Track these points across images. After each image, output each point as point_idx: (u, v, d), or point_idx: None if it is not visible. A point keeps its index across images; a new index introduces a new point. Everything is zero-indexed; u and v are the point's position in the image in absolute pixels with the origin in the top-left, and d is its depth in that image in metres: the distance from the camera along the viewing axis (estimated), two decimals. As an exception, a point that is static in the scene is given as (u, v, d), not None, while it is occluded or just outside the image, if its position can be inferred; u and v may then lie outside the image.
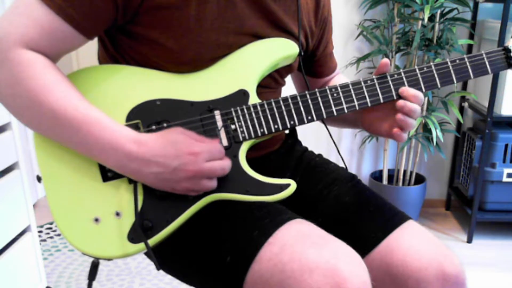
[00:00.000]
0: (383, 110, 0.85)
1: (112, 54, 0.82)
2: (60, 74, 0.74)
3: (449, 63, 0.83)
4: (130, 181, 0.77)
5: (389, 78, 0.83)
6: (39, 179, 0.70)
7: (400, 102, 0.80)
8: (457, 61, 0.83)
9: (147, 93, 0.78)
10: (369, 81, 0.83)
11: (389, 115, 0.84)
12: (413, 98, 0.81)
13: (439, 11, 2.04)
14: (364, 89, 0.82)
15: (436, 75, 0.83)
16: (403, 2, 2.02)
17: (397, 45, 2.11)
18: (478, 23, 2.22)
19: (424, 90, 0.83)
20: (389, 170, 2.37)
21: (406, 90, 0.81)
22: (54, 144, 0.76)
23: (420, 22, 2.02)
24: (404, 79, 0.83)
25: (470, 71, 0.83)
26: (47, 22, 0.71)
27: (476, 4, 2.19)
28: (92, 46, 0.87)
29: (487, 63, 0.83)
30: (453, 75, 0.83)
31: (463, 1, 2.02)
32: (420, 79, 0.83)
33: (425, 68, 0.83)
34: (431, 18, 2.04)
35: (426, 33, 2.04)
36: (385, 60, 0.82)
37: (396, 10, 2.08)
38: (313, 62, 0.99)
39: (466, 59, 0.83)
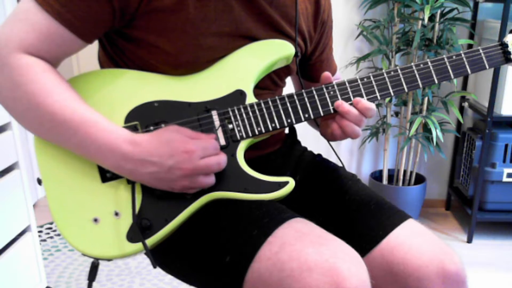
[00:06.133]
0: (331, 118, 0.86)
1: (111, 56, 0.83)
2: (59, 77, 0.75)
3: (446, 59, 0.83)
4: (129, 181, 0.77)
5: (385, 75, 0.83)
6: (39, 181, 0.71)
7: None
8: (454, 57, 0.83)
9: (145, 95, 0.79)
10: (365, 79, 0.83)
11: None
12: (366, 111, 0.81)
13: (439, 11, 2.04)
14: (361, 86, 0.83)
15: (433, 71, 0.83)
16: (403, 2, 2.02)
17: (397, 45, 2.11)
18: (478, 23, 2.22)
19: (421, 86, 0.83)
20: (389, 170, 2.37)
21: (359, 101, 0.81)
22: (54, 146, 0.77)
23: (420, 22, 2.02)
24: (401, 75, 0.83)
25: (467, 66, 0.83)
26: (45, 27, 0.72)
27: (476, 4, 2.19)
28: (92, 49, 0.88)
29: (484, 58, 0.84)
30: (450, 71, 0.83)
31: (463, 1, 2.02)
32: (417, 75, 0.83)
33: (421, 65, 0.83)
34: (431, 18, 2.04)
35: (426, 33, 2.04)
36: (327, 73, 0.83)
37: (396, 10, 2.08)
38: (308, 66, 0.99)
39: (463, 55, 0.83)
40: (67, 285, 1.81)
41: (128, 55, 0.80)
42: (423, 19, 1.99)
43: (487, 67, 0.84)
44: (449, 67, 0.83)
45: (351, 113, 0.81)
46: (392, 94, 0.83)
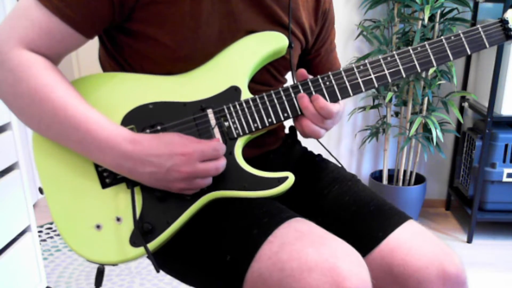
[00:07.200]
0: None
1: (111, 53, 0.83)
2: (60, 75, 0.75)
3: (444, 40, 0.81)
4: (128, 186, 0.77)
5: (382, 61, 0.81)
6: (41, 191, 0.72)
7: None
8: (452, 37, 0.81)
9: (139, 98, 0.78)
10: (361, 67, 0.81)
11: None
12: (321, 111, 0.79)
13: (439, 11, 2.04)
14: (357, 75, 0.81)
15: (430, 54, 0.81)
16: (403, 2, 2.02)
17: (397, 45, 2.11)
18: (478, 23, 2.22)
19: (419, 70, 0.81)
20: (389, 170, 2.37)
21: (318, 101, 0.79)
22: (53, 153, 0.77)
23: (420, 22, 2.02)
24: (398, 61, 0.81)
25: (466, 46, 0.81)
26: (45, 23, 0.72)
27: (476, 4, 2.19)
28: (92, 49, 0.88)
29: (483, 36, 0.81)
30: (449, 51, 0.81)
31: (463, 1, 2.02)
32: (414, 59, 0.81)
33: (419, 48, 0.81)
34: (431, 18, 2.04)
35: (426, 33, 2.04)
36: (302, 69, 0.82)
37: (396, 10, 2.08)
38: (307, 61, 0.98)
39: (461, 35, 0.81)
40: (67, 285, 1.81)
41: (128, 51, 0.80)
42: (423, 19, 1.99)
43: (487, 45, 0.81)
44: (447, 48, 0.81)
45: (309, 109, 0.79)
46: (389, 80, 0.81)
